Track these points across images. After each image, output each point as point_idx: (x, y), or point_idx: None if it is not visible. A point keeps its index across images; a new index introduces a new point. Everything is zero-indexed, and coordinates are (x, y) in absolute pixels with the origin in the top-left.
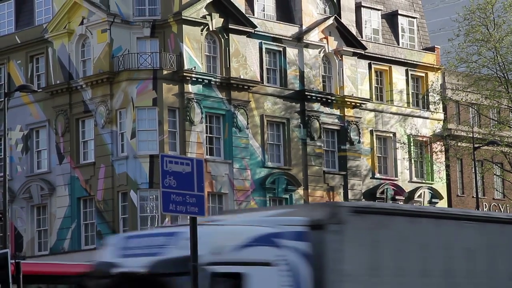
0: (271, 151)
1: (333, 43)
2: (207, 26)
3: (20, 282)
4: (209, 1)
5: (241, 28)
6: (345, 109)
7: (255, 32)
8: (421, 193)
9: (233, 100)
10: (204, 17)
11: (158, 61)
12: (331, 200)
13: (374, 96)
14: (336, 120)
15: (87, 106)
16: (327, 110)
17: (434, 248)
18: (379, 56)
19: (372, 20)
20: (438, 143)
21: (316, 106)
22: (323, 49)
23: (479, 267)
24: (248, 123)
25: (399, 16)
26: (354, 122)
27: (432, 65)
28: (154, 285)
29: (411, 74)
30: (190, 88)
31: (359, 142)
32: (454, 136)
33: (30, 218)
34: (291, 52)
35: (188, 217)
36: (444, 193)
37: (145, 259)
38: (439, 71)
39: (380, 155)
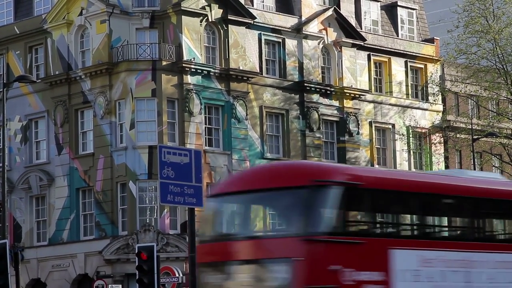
0: (270, 142)
1: (332, 34)
2: (206, 17)
3: (19, 271)
4: None
5: (240, 19)
6: (344, 101)
7: (254, 23)
8: None
9: (232, 91)
10: (203, 8)
11: (157, 52)
12: None
13: (373, 88)
14: (335, 112)
15: (86, 96)
16: (326, 101)
17: None
18: (379, 47)
19: (372, 12)
20: (437, 134)
21: (315, 97)
22: (322, 40)
23: None
24: (247, 114)
25: (398, 8)
26: (353, 114)
27: (431, 57)
28: None
29: (410, 66)
30: (189, 79)
31: (358, 133)
32: (453, 127)
33: (29, 209)
34: (290, 43)
35: (187, 208)
36: None
37: None
38: (438, 63)
39: (379, 147)
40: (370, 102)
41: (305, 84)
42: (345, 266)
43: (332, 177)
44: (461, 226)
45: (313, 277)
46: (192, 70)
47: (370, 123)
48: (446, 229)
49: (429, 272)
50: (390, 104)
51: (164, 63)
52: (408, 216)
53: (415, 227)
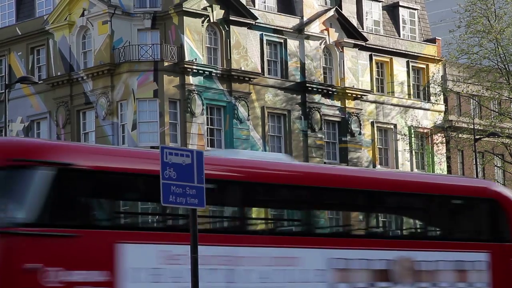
0: (272, 143)
1: (334, 35)
2: (208, 18)
3: None
4: None
5: (242, 19)
6: (346, 101)
7: (256, 24)
8: None
9: (234, 91)
10: (205, 8)
11: (159, 52)
12: None
13: (375, 88)
14: (337, 112)
15: (88, 97)
16: (328, 101)
17: None
18: (380, 47)
19: (373, 12)
20: (439, 134)
21: (317, 97)
22: (324, 41)
23: None
24: (249, 115)
25: (400, 8)
26: (355, 114)
27: (433, 57)
28: None
29: (412, 66)
30: (191, 79)
31: (360, 133)
32: (455, 127)
33: None
34: (292, 44)
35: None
36: None
37: None
38: (440, 63)
39: (381, 147)
40: (372, 102)
41: (307, 85)
42: (48, 264)
43: (37, 156)
44: (221, 215)
45: (1, 279)
46: (194, 70)
47: (372, 123)
48: (200, 219)
49: (175, 271)
50: (392, 104)
51: (166, 64)
52: (144, 203)
53: (155, 217)
